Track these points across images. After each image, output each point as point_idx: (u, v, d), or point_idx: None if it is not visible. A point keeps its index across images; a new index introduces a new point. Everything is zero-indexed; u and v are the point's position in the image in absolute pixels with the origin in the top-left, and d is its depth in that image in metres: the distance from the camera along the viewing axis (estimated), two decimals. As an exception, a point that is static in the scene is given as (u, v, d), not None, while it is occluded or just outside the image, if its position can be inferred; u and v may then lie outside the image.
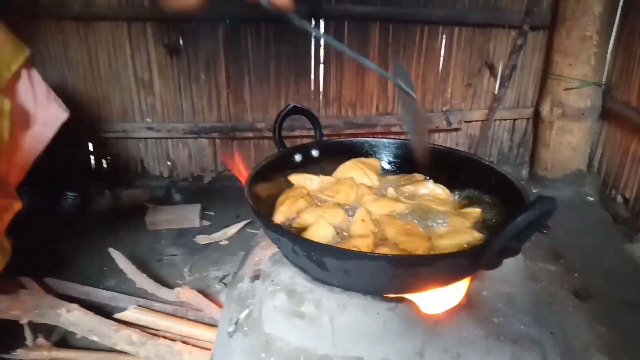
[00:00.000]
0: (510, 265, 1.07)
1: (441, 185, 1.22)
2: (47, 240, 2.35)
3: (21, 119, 1.74)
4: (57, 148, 2.02)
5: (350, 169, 1.30)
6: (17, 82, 1.72)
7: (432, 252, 0.95)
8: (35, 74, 1.80)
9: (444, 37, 2.95)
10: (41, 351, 1.58)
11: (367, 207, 1.10)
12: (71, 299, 1.70)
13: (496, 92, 3.09)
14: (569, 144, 2.93)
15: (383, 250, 0.95)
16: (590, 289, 2.04)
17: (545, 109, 2.96)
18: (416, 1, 2.81)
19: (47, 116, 1.83)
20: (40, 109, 1.80)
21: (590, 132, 2.94)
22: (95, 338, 1.57)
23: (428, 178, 1.28)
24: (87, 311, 1.61)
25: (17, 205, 1.68)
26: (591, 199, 2.96)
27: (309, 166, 1.32)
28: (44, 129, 1.83)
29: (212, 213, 2.74)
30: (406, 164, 1.35)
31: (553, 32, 2.88)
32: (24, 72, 1.74)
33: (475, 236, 0.99)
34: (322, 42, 2.85)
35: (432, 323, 0.93)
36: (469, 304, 0.98)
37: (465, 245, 0.96)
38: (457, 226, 1.05)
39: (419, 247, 0.95)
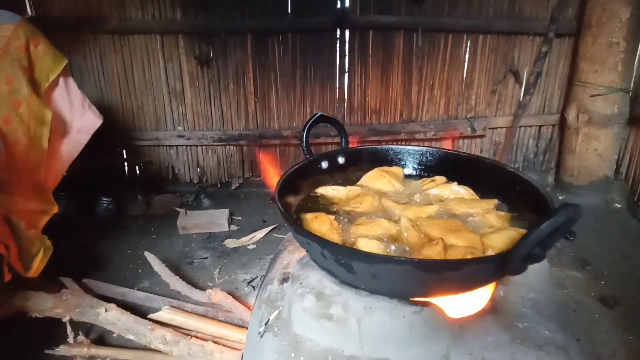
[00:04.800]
0: (536, 271, 1.07)
1: (465, 187, 1.24)
2: (84, 243, 2.46)
3: (58, 127, 1.84)
4: (93, 156, 2.12)
5: (375, 178, 1.33)
6: (54, 90, 1.82)
7: (487, 247, 0.96)
8: (72, 83, 1.90)
9: (468, 45, 2.96)
10: (81, 348, 1.66)
11: (404, 214, 1.11)
12: (108, 300, 1.78)
13: (521, 99, 3.07)
14: (596, 150, 2.90)
15: (450, 252, 0.95)
16: (618, 296, 2.01)
17: (571, 116, 2.93)
18: (440, 11, 2.84)
19: (82, 124, 1.92)
20: (75, 117, 1.90)
21: (617, 139, 2.90)
22: (131, 337, 1.64)
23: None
24: (124, 311, 1.68)
25: (54, 209, 1.79)
26: (619, 206, 2.91)
27: (335, 173, 1.36)
28: (79, 135, 1.92)
29: (239, 218, 2.81)
30: (430, 170, 1.38)
31: (579, 39, 2.86)
32: (61, 81, 1.84)
33: (520, 232, 0.99)
34: (346, 51, 2.90)
35: (457, 327, 0.94)
36: (494, 309, 0.99)
37: (512, 241, 0.96)
38: (497, 223, 1.06)
39: (472, 241, 0.96)
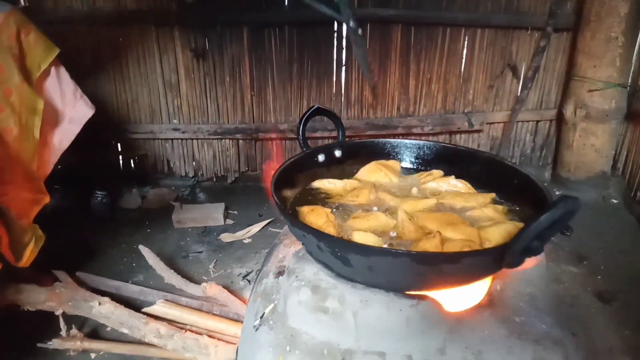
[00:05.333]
0: (533, 265, 1.07)
1: (463, 180, 1.24)
2: (79, 237, 2.45)
3: (50, 116, 1.83)
4: (88, 149, 2.10)
5: (372, 171, 1.32)
6: (45, 79, 1.81)
7: (484, 240, 0.96)
8: (64, 73, 1.88)
9: (466, 39, 2.94)
10: (74, 341, 1.65)
11: (401, 208, 1.10)
12: (102, 293, 1.76)
13: (519, 94, 3.06)
14: (593, 145, 2.90)
15: (447, 246, 0.94)
16: (614, 291, 2.02)
17: (568, 111, 2.93)
18: (438, 4, 2.82)
19: (74, 113, 1.91)
20: (67, 107, 1.89)
21: (614, 134, 2.89)
22: (125, 330, 1.63)
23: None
24: (118, 304, 1.67)
25: (46, 199, 1.78)
26: (615, 201, 2.91)
27: (332, 166, 1.35)
28: (71, 125, 1.91)
29: (235, 212, 2.80)
30: (427, 163, 1.37)
31: (577, 33, 2.85)
32: (53, 71, 1.82)
33: (517, 225, 0.99)
34: (344, 45, 2.88)
35: (454, 321, 0.94)
36: (491, 303, 0.99)
37: (509, 235, 0.95)
38: (494, 217, 1.06)
39: (469, 234, 0.96)
